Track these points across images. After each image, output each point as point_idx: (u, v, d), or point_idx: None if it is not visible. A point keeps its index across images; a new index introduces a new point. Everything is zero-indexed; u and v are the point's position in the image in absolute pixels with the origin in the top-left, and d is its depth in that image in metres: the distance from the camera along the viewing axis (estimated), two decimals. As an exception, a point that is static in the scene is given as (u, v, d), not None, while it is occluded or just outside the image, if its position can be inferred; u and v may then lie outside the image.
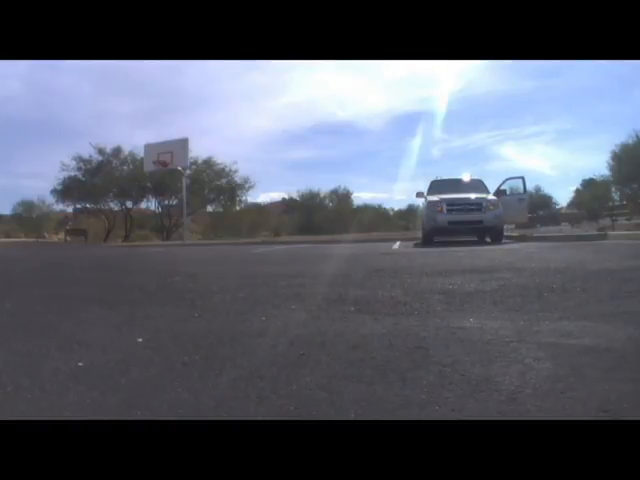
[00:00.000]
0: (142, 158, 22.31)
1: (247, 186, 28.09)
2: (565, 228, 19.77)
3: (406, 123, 60.52)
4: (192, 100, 55.61)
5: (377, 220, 32.90)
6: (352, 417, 1.12)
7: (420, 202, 11.44)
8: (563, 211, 41.10)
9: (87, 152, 25.99)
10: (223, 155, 34.11)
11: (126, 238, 26.08)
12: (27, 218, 33.32)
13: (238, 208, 29.83)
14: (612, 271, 3.53)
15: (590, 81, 51.21)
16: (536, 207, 39.97)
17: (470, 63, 34.09)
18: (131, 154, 26.29)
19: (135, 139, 60.46)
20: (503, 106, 60.56)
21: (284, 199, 37.50)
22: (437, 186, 10.68)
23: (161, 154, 19.83)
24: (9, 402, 1.27)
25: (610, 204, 33.57)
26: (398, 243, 10.73)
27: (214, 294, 3.15)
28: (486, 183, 10.83)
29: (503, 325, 1.94)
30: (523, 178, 11.75)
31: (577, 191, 40.73)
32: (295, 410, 1.17)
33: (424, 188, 10.94)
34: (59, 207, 28.98)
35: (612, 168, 29.19)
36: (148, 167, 21.02)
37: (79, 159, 25.86)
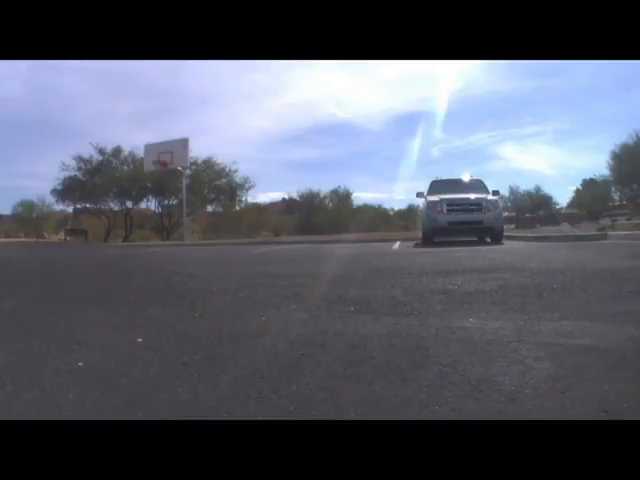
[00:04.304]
0: (142, 158, 22.34)
1: (247, 186, 28.18)
2: (565, 228, 19.75)
3: (406, 123, 60.29)
4: (192, 100, 55.55)
5: (377, 220, 32.92)
6: (352, 417, 1.12)
7: (420, 202, 11.42)
8: (563, 211, 41.04)
9: (87, 152, 26.09)
10: (223, 155, 34.04)
11: (126, 238, 26.09)
12: (27, 218, 33.36)
13: (238, 208, 29.86)
14: (612, 271, 3.52)
15: (590, 81, 51.14)
16: (536, 207, 40.01)
17: (470, 63, 34.10)
18: (131, 154, 26.39)
19: (135, 139, 60.40)
20: (503, 106, 60.37)
21: (284, 199, 37.51)
22: (437, 186, 10.66)
23: (161, 154, 19.85)
24: (9, 402, 1.27)
25: (610, 204, 33.57)
26: (398, 243, 10.72)
27: (214, 294, 3.15)
28: (486, 183, 10.82)
29: (503, 325, 1.94)
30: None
31: (577, 191, 40.77)
32: (295, 410, 1.17)
33: (424, 188, 10.91)
34: (59, 207, 29.11)
35: (612, 168, 29.25)
36: (148, 167, 21.04)
37: (79, 159, 25.97)
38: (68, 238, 25.45)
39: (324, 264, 5.73)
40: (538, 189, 40.28)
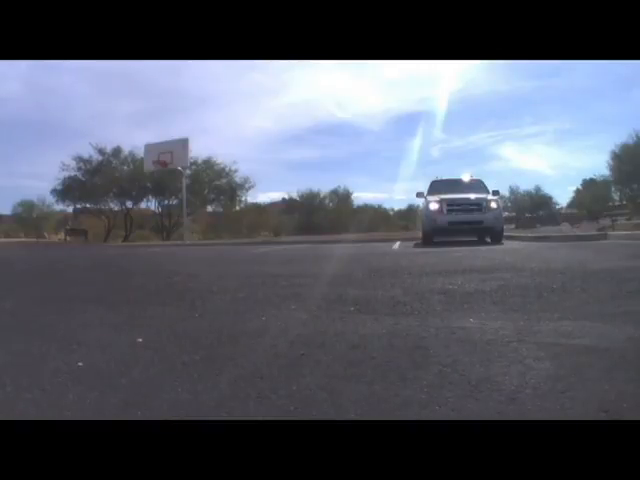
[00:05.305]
0: (142, 158, 22.34)
1: (247, 186, 28.17)
2: (565, 228, 19.76)
3: (406, 123, 60.15)
4: (192, 100, 55.44)
5: (377, 220, 32.92)
6: (352, 417, 1.12)
7: (420, 202, 11.41)
8: (563, 211, 41.02)
9: (87, 152, 26.07)
10: (223, 155, 33.99)
11: (126, 238, 26.09)
12: (27, 218, 33.36)
13: (238, 208, 29.85)
14: (612, 271, 3.52)
15: (590, 81, 51.07)
16: (536, 207, 39.99)
17: (470, 63, 34.07)
18: (131, 154, 26.37)
19: (135, 139, 60.31)
20: (503, 106, 60.18)
21: (284, 199, 37.50)
22: (437, 186, 10.65)
23: (161, 154, 19.84)
24: (9, 402, 1.27)
25: (610, 204, 33.57)
26: (398, 243, 10.73)
27: (214, 294, 3.15)
28: (486, 183, 10.82)
29: (503, 325, 1.94)
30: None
31: (577, 191, 40.76)
32: (295, 410, 1.17)
33: (424, 188, 10.91)
34: (59, 207, 29.12)
35: (612, 168, 29.24)
36: (148, 167, 21.04)
37: (79, 159, 25.94)
38: (68, 238, 25.46)
39: (324, 264, 5.73)
40: (538, 189, 40.33)
